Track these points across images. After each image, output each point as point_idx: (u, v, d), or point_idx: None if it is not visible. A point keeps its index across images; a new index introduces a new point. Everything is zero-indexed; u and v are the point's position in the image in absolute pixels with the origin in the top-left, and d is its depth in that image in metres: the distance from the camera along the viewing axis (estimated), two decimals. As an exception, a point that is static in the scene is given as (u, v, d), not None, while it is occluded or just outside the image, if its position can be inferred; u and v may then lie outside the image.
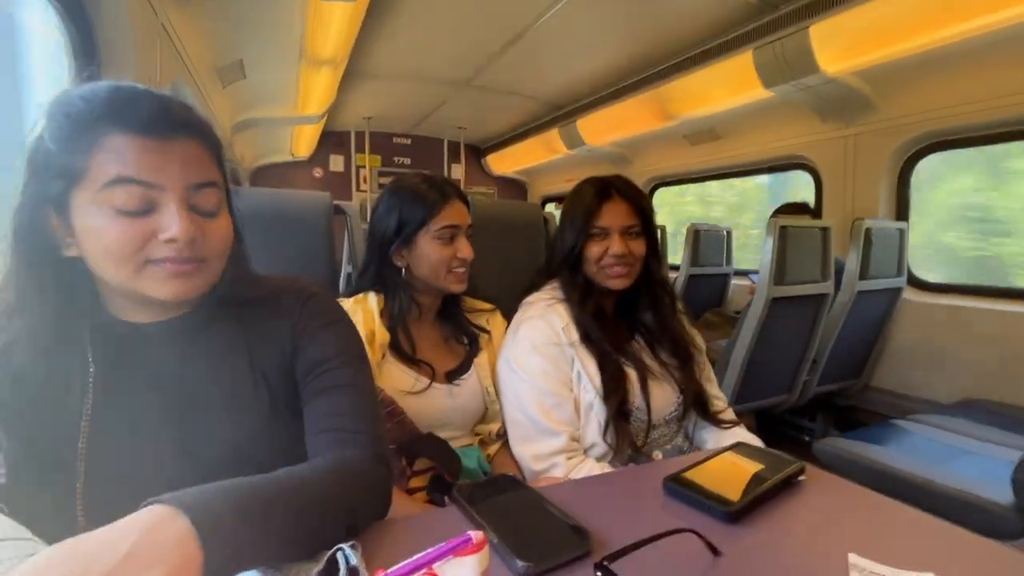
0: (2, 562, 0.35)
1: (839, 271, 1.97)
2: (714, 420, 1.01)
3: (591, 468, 0.87)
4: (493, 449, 1.03)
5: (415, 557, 0.29)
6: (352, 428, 0.57)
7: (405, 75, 3.24)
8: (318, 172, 4.90)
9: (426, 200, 0.95)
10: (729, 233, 3.07)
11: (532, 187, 5.62)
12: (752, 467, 0.63)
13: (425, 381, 0.94)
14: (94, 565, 0.32)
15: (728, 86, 2.60)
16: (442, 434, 0.94)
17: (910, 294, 2.20)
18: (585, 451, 0.92)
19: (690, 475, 0.60)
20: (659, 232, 1.50)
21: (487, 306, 1.11)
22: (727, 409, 1.05)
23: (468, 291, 1.05)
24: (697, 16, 2.33)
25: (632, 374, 0.95)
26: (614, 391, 0.91)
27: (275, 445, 0.59)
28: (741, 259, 3.22)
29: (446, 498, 0.56)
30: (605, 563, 0.39)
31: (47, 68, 1.30)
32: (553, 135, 4.03)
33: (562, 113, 3.86)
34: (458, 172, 5.22)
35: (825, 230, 1.87)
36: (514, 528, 0.49)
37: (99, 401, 0.53)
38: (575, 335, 0.95)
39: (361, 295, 0.97)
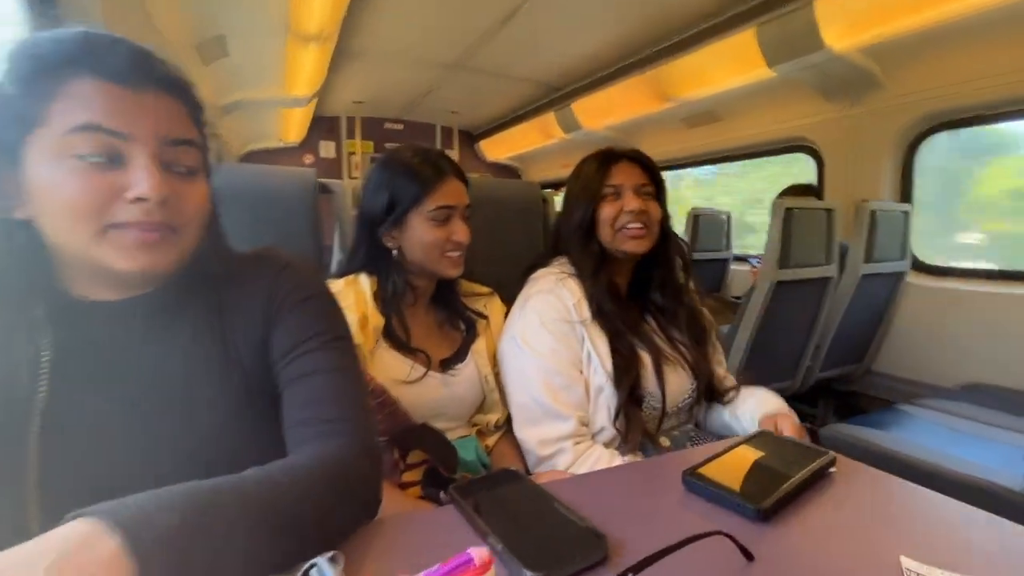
0: None
1: (842, 255, 1.92)
2: (725, 399, 0.96)
3: (599, 455, 0.82)
4: (492, 440, 0.97)
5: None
6: (334, 417, 0.51)
7: (396, 56, 3.14)
8: (308, 158, 4.78)
9: (419, 177, 0.87)
10: (729, 217, 3.02)
11: (526, 174, 5.53)
12: (777, 458, 0.57)
13: (420, 370, 0.88)
14: None
15: (729, 66, 2.53)
16: (437, 425, 0.88)
17: (913, 278, 2.17)
18: (593, 436, 0.86)
19: (710, 468, 0.55)
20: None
21: (485, 290, 1.04)
22: (736, 386, 1.00)
23: (465, 274, 0.99)
24: (698, -8, 2.25)
25: (646, 358, 0.90)
26: (626, 374, 0.85)
27: (252, 438, 0.53)
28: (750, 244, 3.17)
29: (442, 495, 0.50)
30: (631, 575, 0.34)
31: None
32: (548, 119, 3.94)
33: (558, 96, 3.77)
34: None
35: (830, 212, 1.82)
36: (520, 533, 0.43)
37: (54, 392, 0.46)
38: (587, 312, 0.89)
39: (352, 276, 0.90)
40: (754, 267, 2.45)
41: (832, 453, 0.57)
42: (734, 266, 3.09)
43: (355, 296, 0.86)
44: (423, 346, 0.90)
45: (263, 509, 0.37)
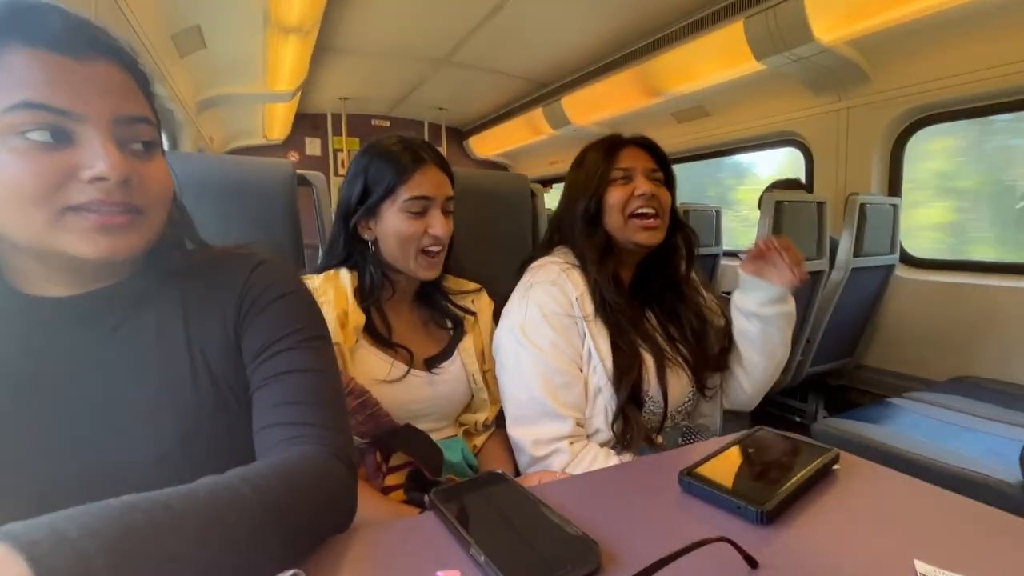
0: None
1: (832, 249, 1.92)
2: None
3: (596, 455, 0.78)
4: (480, 440, 0.93)
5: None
6: (306, 420, 0.47)
7: (381, 51, 3.08)
8: (294, 156, 4.71)
9: (397, 164, 0.82)
10: (719, 213, 3.01)
11: (516, 170, 5.49)
12: (778, 456, 0.54)
13: (402, 368, 0.84)
14: None
15: (717, 59, 2.51)
16: (422, 426, 0.84)
17: (902, 271, 2.17)
18: (588, 437, 0.83)
19: (708, 468, 0.52)
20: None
21: (472, 286, 1.00)
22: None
23: (453, 270, 0.95)
24: (686, -16, 2.23)
25: (648, 359, 0.85)
26: (627, 375, 0.81)
27: (223, 445, 0.49)
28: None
29: (426, 499, 0.46)
30: (624, 590, 0.30)
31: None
32: (537, 115, 3.91)
33: (546, 91, 3.74)
34: (439, 155, 5.08)
35: (821, 205, 1.81)
36: (506, 542, 0.40)
37: None
38: (590, 308, 0.84)
39: (332, 271, 0.86)
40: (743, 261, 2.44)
41: (835, 450, 0.54)
42: (724, 261, 3.08)
43: (335, 292, 0.82)
44: (407, 343, 0.86)
45: (211, 522, 0.33)
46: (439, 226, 0.83)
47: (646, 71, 2.87)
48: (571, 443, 0.78)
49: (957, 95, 1.95)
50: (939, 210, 2.37)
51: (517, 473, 0.86)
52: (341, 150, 4.73)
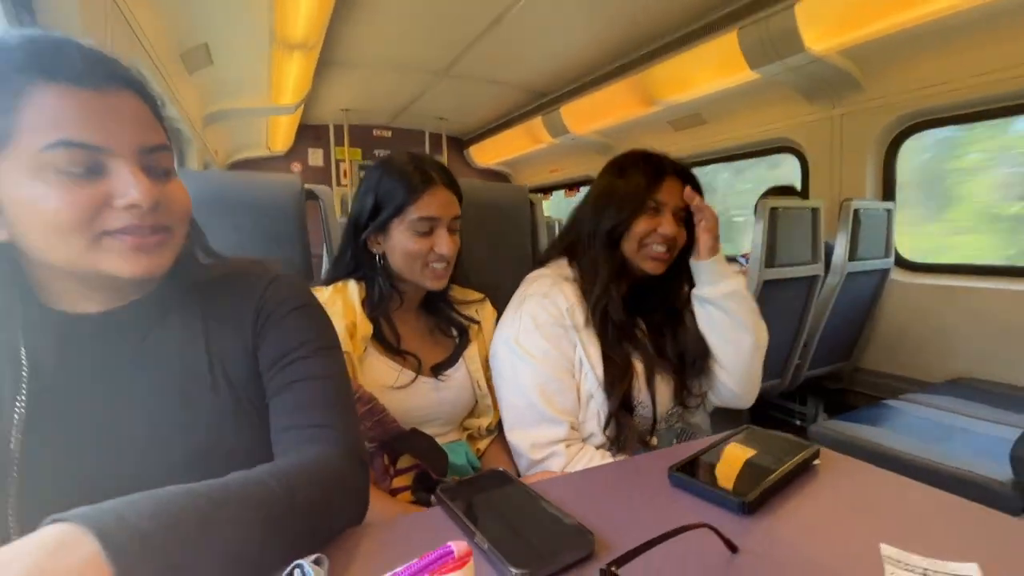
0: None
1: (827, 254, 1.95)
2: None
3: (591, 457, 0.82)
4: (483, 444, 0.97)
5: (391, 574, 0.23)
6: (322, 423, 0.51)
7: (382, 64, 3.14)
8: (296, 167, 4.76)
9: (407, 183, 0.86)
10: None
11: (516, 178, 5.55)
12: (762, 453, 0.58)
13: (410, 374, 0.87)
14: None
15: (713, 69, 2.56)
16: (428, 430, 0.88)
17: (897, 275, 2.20)
18: (583, 440, 0.86)
19: (696, 464, 0.55)
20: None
21: (476, 295, 1.03)
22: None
23: (459, 280, 0.98)
24: (681, -4, 2.28)
25: (639, 366, 0.89)
26: (619, 382, 0.84)
27: (238, 449, 0.53)
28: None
29: (432, 498, 0.50)
30: (613, 568, 0.34)
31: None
32: (536, 124, 3.96)
33: (545, 101, 3.79)
34: (440, 164, 5.13)
35: (815, 210, 1.85)
36: (507, 531, 0.43)
37: (33, 403, 0.46)
38: (580, 318, 0.88)
39: (340, 283, 0.90)
40: (743, 267, 2.47)
41: (816, 446, 0.57)
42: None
43: (343, 303, 0.86)
44: (414, 351, 0.90)
45: (244, 510, 0.37)
46: (444, 245, 0.86)
47: (643, 80, 2.92)
48: (567, 446, 0.82)
49: (946, 101, 1.99)
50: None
51: (518, 475, 0.89)
52: (343, 160, 4.79)
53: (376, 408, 0.82)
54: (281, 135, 4.19)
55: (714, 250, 0.91)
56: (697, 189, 0.91)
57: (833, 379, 2.30)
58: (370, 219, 0.88)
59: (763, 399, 2.37)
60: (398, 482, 0.84)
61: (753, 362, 0.94)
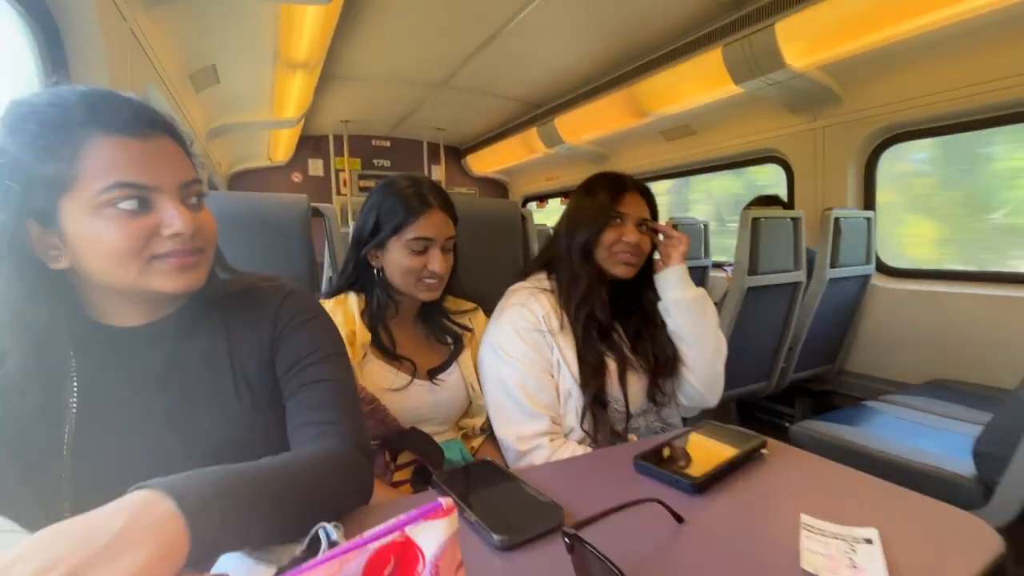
0: None
1: (811, 261, 2.03)
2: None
3: (573, 450, 0.90)
4: (477, 442, 1.05)
5: (388, 522, 0.31)
6: (332, 420, 0.59)
7: (381, 77, 3.24)
8: (297, 177, 4.85)
9: (404, 206, 0.94)
10: (706, 226, 3.13)
11: (512, 187, 5.64)
12: (718, 444, 0.66)
13: (405, 377, 0.95)
14: (87, 543, 0.33)
15: (700, 82, 2.66)
16: (425, 429, 0.96)
17: (878, 280, 2.28)
18: (565, 435, 0.95)
19: (659, 453, 0.64)
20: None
21: (470, 305, 1.12)
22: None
23: (453, 290, 1.06)
24: (668, 14, 2.38)
25: (611, 364, 0.98)
26: (593, 380, 0.94)
27: (258, 442, 0.61)
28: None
29: (430, 487, 0.58)
30: (573, 531, 0.42)
31: (10, 79, 1.28)
32: (532, 134, 4.06)
33: (540, 112, 3.89)
34: (438, 173, 5.21)
35: (796, 220, 1.93)
36: (491, 507, 0.51)
37: (84, 402, 0.54)
38: (555, 323, 0.98)
39: (342, 295, 0.98)
40: (728, 274, 2.56)
41: (764, 437, 0.66)
42: (713, 273, 3.20)
43: (343, 315, 0.94)
44: (410, 356, 0.98)
45: (280, 485, 0.46)
46: (437, 263, 0.94)
47: (634, 93, 3.01)
48: (551, 440, 0.90)
49: (923, 115, 2.08)
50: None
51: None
52: (343, 170, 4.87)
53: (378, 408, 0.91)
54: (282, 146, 4.28)
55: (682, 260, 1.03)
56: (652, 204, 1.05)
57: (819, 381, 2.38)
58: (371, 236, 0.96)
59: (751, 401, 2.46)
60: (399, 476, 0.92)
61: (716, 364, 1.04)
